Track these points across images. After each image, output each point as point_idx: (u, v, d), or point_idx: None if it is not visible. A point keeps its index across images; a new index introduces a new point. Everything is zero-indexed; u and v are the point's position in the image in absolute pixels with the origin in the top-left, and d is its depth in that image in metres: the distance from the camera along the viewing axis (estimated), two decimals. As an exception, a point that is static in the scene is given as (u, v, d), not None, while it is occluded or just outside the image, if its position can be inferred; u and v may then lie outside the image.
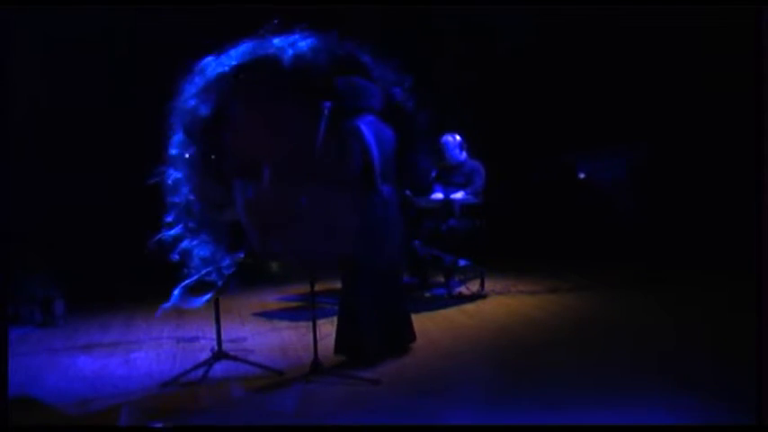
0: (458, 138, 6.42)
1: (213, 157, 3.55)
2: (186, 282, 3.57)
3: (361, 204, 4.17)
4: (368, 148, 4.20)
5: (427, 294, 6.34)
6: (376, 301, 4.25)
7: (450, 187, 6.38)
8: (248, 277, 4.19)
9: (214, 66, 3.71)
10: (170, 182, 3.57)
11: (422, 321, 5.09)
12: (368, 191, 4.24)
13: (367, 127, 4.26)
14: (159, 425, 3.35)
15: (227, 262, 3.78)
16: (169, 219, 3.63)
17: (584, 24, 7.47)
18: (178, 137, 3.64)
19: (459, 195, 6.27)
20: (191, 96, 3.63)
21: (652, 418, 3.16)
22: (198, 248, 3.71)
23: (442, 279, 6.46)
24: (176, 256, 3.69)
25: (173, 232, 3.65)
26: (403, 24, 7.74)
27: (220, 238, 3.82)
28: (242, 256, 3.79)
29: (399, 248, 4.53)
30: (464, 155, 6.43)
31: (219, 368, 4.23)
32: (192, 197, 3.51)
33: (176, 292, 3.63)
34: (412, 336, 4.54)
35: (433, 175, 6.51)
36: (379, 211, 4.27)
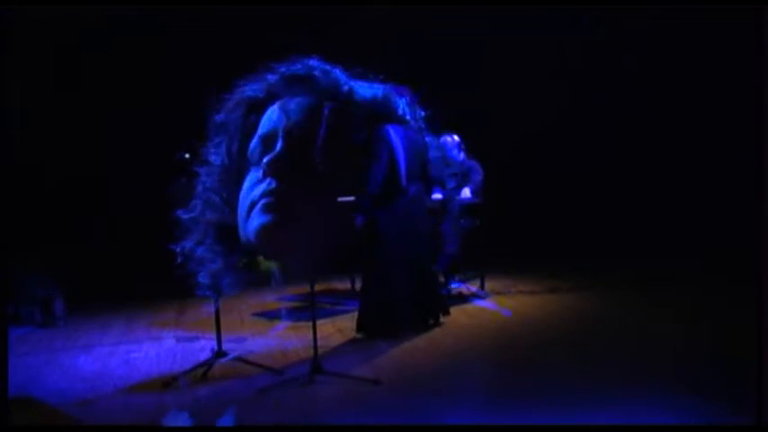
0: (456, 138, 6.40)
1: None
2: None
3: (389, 202, 4.77)
4: (393, 151, 4.73)
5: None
6: (401, 284, 4.78)
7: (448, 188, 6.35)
8: (248, 277, 4.18)
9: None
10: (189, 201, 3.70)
11: (422, 321, 5.08)
12: (394, 190, 4.78)
13: (395, 131, 4.75)
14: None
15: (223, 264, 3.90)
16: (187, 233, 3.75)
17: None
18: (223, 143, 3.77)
19: (467, 193, 6.24)
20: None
21: (652, 418, 3.16)
22: (207, 259, 3.84)
23: (442, 279, 6.45)
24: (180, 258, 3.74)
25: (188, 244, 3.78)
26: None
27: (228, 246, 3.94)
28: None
29: (426, 240, 5.06)
30: (462, 155, 6.42)
31: (219, 368, 4.23)
32: (207, 215, 3.63)
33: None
34: (439, 312, 5.14)
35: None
36: (404, 208, 4.82)
